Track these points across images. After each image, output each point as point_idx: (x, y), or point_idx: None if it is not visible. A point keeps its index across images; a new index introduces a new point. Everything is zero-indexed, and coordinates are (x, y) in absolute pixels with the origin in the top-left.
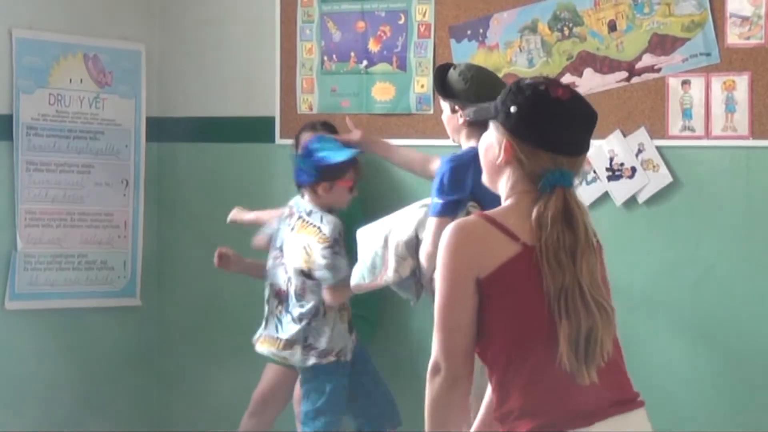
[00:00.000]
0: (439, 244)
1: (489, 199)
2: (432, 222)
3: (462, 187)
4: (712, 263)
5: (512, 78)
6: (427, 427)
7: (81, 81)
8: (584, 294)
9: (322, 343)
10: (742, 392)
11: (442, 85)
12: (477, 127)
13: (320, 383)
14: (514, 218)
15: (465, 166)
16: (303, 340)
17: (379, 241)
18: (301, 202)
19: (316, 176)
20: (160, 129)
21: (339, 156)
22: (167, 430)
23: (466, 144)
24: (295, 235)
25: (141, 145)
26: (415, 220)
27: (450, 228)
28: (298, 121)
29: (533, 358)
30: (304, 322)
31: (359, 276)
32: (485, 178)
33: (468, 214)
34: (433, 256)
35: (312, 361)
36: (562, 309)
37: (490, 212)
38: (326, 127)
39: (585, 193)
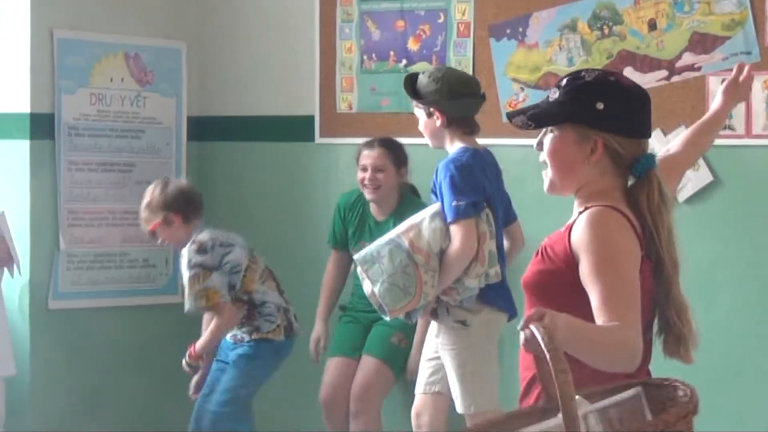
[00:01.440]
0: (592, 227)
1: (498, 201)
2: (459, 224)
3: (478, 188)
4: (753, 261)
5: (552, 76)
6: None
7: (122, 80)
8: (671, 282)
9: None
10: None
11: (415, 91)
12: (457, 127)
13: None
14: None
15: (472, 167)
16: None
17: (404, 260)
18: None
19: None
20: (201, 127)
21: None
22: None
23: (452, 146)
24: None
25: (182, 143)
26: (438, 230)
27: (608, 215)
28: (338, 120)
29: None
30: None
31: (397, 300)
32: (558, 180)
33: (488, 216)
34: (465, 258)
35: None
36: (673, 299)
37: (622, 209)
38: (386, 144)
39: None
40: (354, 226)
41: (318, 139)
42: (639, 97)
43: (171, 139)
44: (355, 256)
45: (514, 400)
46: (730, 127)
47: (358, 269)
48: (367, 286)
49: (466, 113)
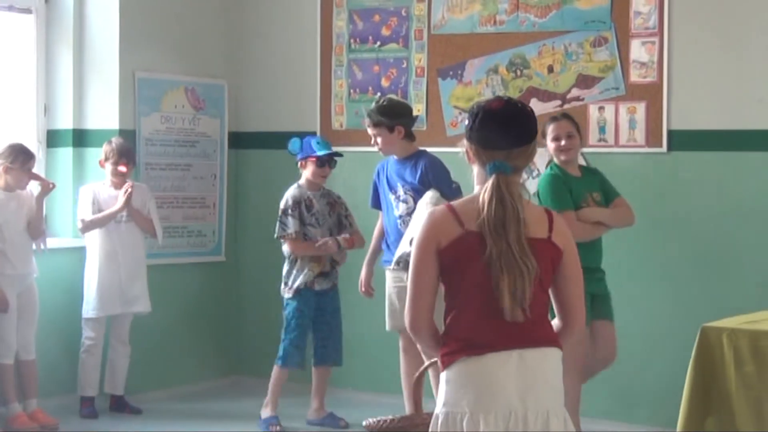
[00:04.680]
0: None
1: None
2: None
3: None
4: (619, 233)
5: None
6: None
7: (183, 106)
8: (515, 257)
9: (290, 281)
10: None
11: (386, 116)
12: (409, 137)
13: (286, 311)
14: (469, 206)
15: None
16: (283, 278)
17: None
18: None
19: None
20: (237, 139)
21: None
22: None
23: (408, 151)
24: None
25: (224, 150)
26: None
27: (427, 216)
28: (333, 135)
29: (460, 308)
30: (286, 266)
31: None
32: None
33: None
34: None
35: (286, 295)
36: (503, 266)
37: (456, 201)
38: (568, 116)
39: (531, 185)
40: (570, 188)
41: None
42: (491, 118)
43: (217, 148)
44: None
45: None
46: (604, 140)
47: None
48: None
49: (412, 127)
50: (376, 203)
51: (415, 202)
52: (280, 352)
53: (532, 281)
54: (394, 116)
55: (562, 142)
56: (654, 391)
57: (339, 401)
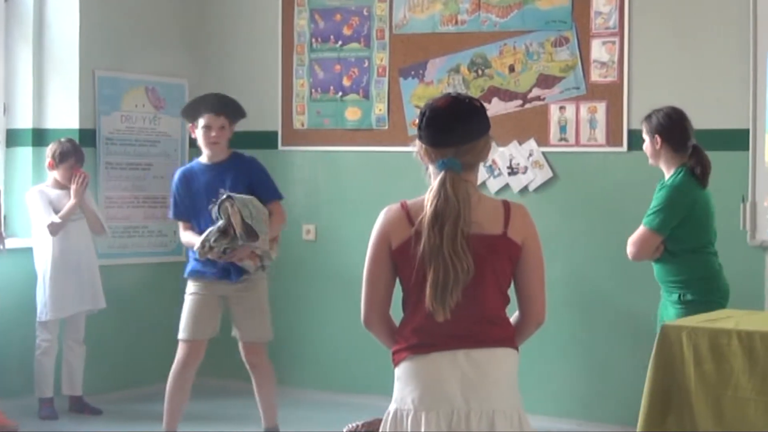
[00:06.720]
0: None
1: None
2: (281, 203)
3: None
4: (580, 231)
5: None
6: None
7: (143, 105)
8: (444, 254)
9: None
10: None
11: (236, 108)
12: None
13: None
14: (420, 205)
15: None
16: None
17: (262, 210)
18: None
19: None
20: None
21: None
22: None
23: (227, 153)
24: None
25: (185, 150)
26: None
27: (382, 213)
28: (294, 134)
29: (410, 307)
30: None
31: (262, 231)
32: None
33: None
34: (283, 226)
35: None
36: (431, 263)
37: (411, 200)
38: None
39: (492, 184)
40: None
41: (280, 148)
42: (436, 116)
43: (177, 147)
44: (234, 195)
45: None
46: (565, 139)
47: (228, 204)
48: (237, 218)
49: None
50: (180, 214)
51: None
52: None
53: (461, 282)
54: (239, 110)
55: None
56: (616, 390)
57: (297, 402)
